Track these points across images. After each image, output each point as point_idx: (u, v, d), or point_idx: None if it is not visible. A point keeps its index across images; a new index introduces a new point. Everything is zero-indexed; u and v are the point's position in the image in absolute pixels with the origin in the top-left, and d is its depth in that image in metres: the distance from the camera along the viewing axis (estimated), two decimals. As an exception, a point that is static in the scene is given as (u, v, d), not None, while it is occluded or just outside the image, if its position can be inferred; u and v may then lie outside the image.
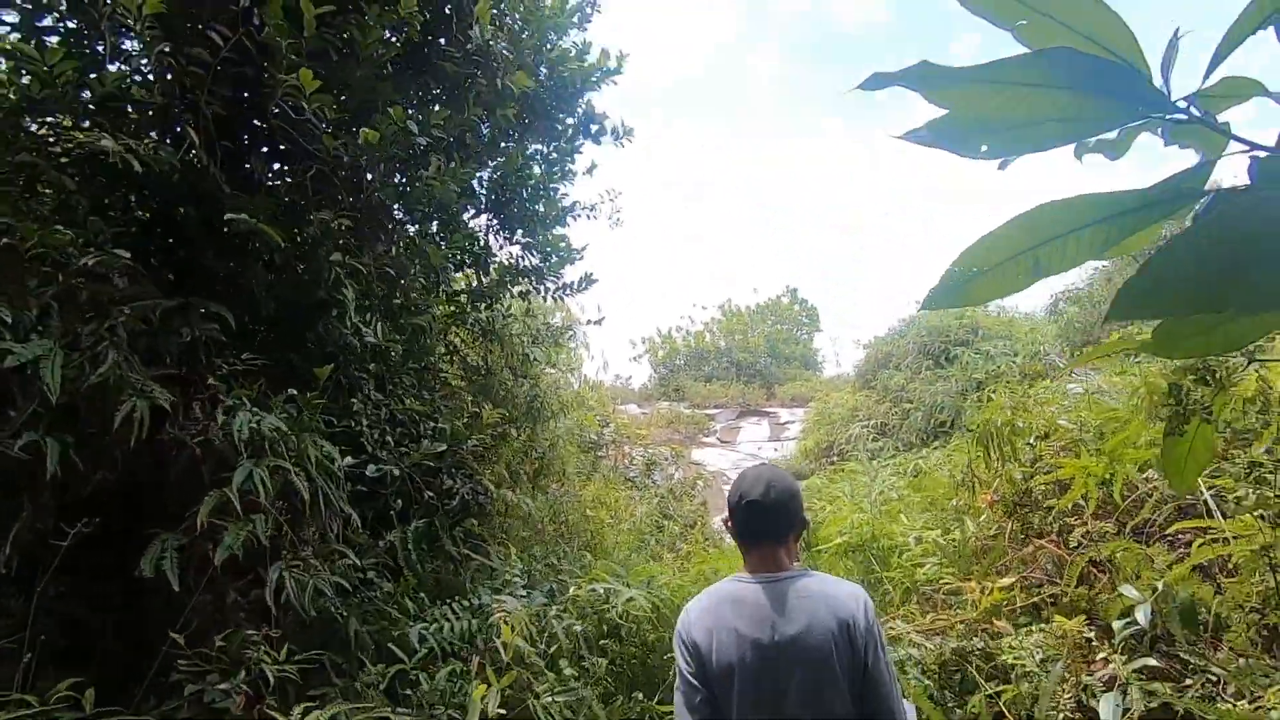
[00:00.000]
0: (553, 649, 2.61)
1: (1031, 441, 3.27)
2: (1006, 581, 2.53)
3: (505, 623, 2.47)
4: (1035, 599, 2.53)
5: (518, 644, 2.42)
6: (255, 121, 3.64)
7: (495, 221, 5.20)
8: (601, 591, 3.01)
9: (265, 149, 3.76)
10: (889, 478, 4.97)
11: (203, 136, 3.26)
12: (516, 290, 5.17)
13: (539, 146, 5.39)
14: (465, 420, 4.11)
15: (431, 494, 3.56)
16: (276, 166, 3.99)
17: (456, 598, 3.04)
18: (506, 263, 5.25)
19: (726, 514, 1.72)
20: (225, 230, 3.15)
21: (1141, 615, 2.00)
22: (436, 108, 3.61)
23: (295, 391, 2.76)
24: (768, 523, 1.63)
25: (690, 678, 1.58)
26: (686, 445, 14.29)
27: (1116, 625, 2.10)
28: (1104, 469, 2.59)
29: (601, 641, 2.89)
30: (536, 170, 5.14)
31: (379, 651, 2.64)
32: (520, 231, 5.18)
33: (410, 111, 3.54)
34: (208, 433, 2.71)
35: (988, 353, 10.65)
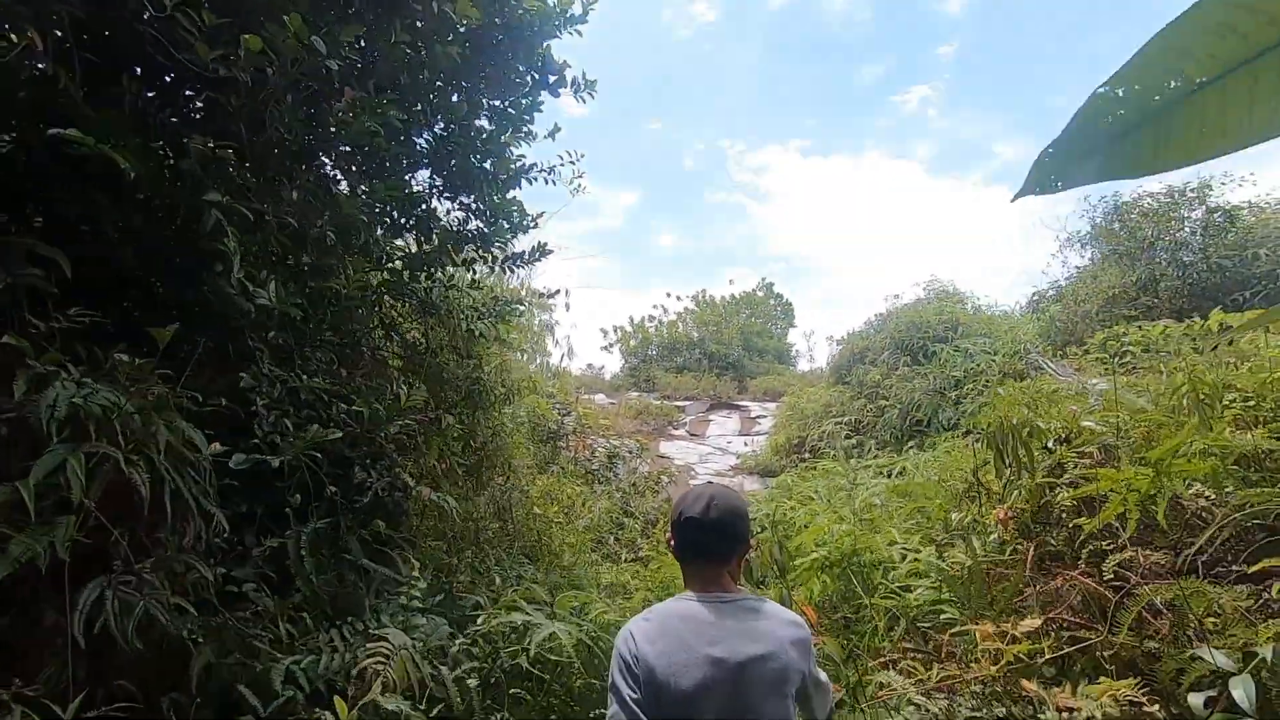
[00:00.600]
0: (436, 710, 2.06)
1: (1051, 446, 2.78)
2: (1031, 625, 2.03)
3: (377, 673, 1.92)
4: (1065, 648, 2.04)
5: (387, 708, 1.87)
6: (130, 33, 3.01)
7: (439, 181, 4.61)
8: (520, 624, 2.45)
9: (152, 69, 3.14)
10: (869, 480, 4.51)
11: (52, 43, 2.64)
12: (461, 259, 4.59)
13: (496, 102, 4.80)
14: (389, 403, 3.54)
15: (335, 489, 2.99)
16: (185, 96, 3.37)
17: (351, 619, 2.48)
18: (451, 228, 4.67)
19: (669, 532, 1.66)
20: (75, 158, 2.54)
21: (1242, 693, 1.50)
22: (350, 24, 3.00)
23: (125, 357, 2.16)
24: (707, 542, 1.57)
25: (633, 705, 1.41)
26: (654, 437, 13.81)
27: (1194, 702, 1.61)
28: (1148, 484, 2.10)
29: (513, 690, 2.34)
30: (486, 124, 4.55)
31: (234, 693, 2.07)
32: (469, 195, 4.58)
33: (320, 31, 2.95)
34: (23, 409, 2.12)
35: (967, 350, 10.31)
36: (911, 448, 8.45)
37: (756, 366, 21.18)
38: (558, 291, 5.49)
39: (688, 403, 17.12)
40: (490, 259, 4.54)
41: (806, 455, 11.05)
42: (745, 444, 13.35)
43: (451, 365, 4.56)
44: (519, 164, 4.89)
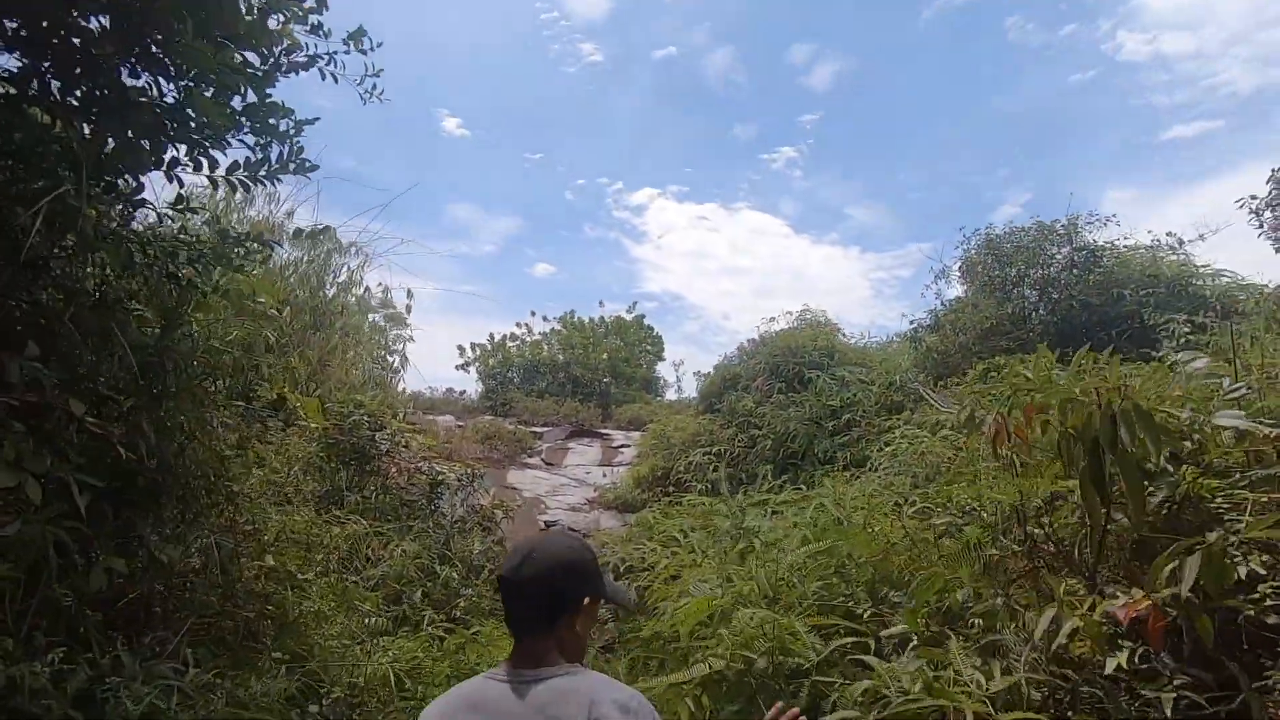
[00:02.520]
0: None
1: (1163, 463, 1.56)
2: None
3: None
4: None
5: None
6: None
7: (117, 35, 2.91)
8: None
9: None
10: (759, 521, 3.25)
11: None
12: (159, 158, 2.91)
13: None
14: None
15: None
16: None
17: None
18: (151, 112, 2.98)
19: None
20: None
21: None
22: None
23: None
24: (517, 606, 1.31)
25: None
26: (503, 465, 12.13)
27: None
28: None
29: None
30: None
31: None
32: (170, 62, 2.92)
33: None
34: None
35: (843, 378, 9.66)
36: (785, 481, 7.45)
37: (623, 394, 20.04)
38: (326, 227, 3.83)
39: (546, 429, 15.55)
40: (208, 163, 2.89)
41: (671, 489, 9.88)
42: (605, 475, 11.99)
43: (128, 328, 2.82)
44: (282, 50, 3.32)
